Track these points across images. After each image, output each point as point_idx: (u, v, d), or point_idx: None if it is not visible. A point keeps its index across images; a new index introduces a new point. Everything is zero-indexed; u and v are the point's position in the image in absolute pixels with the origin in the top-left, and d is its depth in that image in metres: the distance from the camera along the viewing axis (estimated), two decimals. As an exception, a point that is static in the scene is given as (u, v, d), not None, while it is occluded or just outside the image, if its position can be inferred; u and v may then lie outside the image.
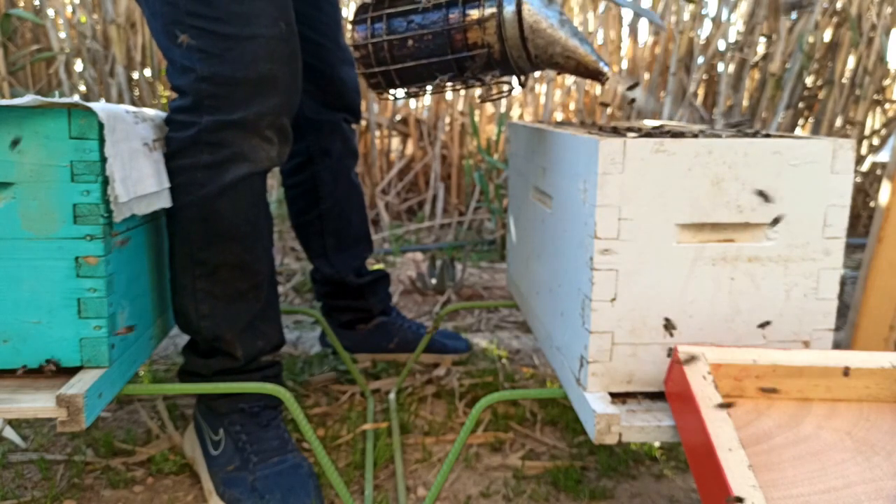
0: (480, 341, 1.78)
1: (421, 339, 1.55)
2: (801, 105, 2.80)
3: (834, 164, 0.86)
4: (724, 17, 2.69)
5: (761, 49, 2.85)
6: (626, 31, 2.95)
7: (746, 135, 0.97)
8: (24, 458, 1.23)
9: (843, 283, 1.75)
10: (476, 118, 2.92)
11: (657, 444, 1.29)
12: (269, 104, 1.04)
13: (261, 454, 1.10)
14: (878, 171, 3.01)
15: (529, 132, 1.23)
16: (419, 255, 2.55)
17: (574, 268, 0.93)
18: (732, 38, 2.77)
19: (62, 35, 2.61)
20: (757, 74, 2.89)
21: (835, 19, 2.77)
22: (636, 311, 0.87)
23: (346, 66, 1.45)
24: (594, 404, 0.85)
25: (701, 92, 2.93)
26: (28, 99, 0.86)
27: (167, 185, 1.05)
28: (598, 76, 0.97)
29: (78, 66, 2.65)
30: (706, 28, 2.78)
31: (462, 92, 3.00)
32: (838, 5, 2.71)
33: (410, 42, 1.01)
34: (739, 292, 0.88)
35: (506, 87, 1.09)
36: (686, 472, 1.22)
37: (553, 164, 1.05)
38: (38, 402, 0.86)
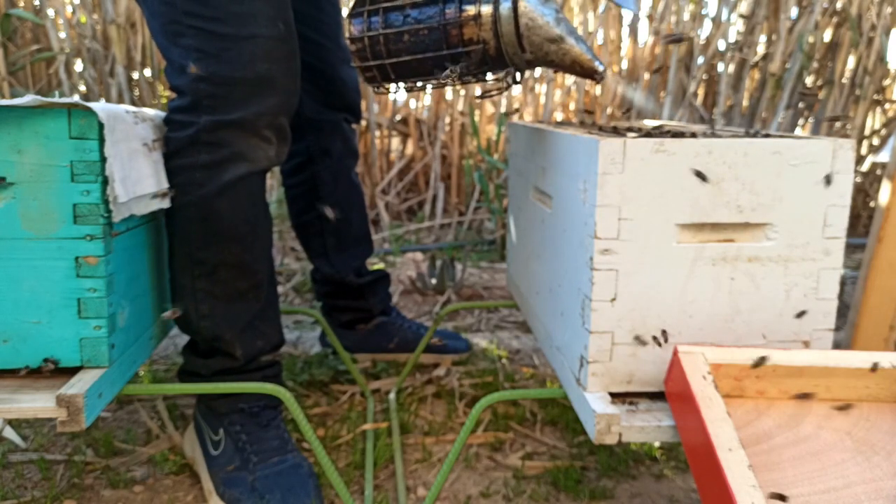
0: (480, 341, 1.78)
1: (421, 339, 1.55)
2: (801, 105, 2.80)
3: (834, 164, 0.86)
4: (724, 17, 2.69)
5: (761, 49, 2.85)
6: (626, 31, 2.95)
7: (747, 134, 0.97)
8: (24, 458, 1.23)
9: (843, 283, 1.75)
10: (476, 118, 2.92)
11: (657, 444, 1.29)
12: (267, 104, 1.04)
13: (261, 454, 1.10)
14: (878, 171, 3.01)
15: (529, 132, 1.23)
16: (419, 255, 2.55)
17: (574, 268, 0.93)
18: (732, 38, 2.77)
19: (62, 35, 2.61)
20: (757, 74, 2.88)
21: (835, 19, 2.76)
22: (636, 311, 0.87)
23: (347, 66, 1.45)
24: (594, 404, 0.85)
25: (701, 92, 2.93)
26: (28, 99, 0.86)
27: (165, 185, 1.05)
28: (593, 74, 0.97)
29: (78, 66, 2.65)
30: (706, 28, 2.78)
31: (462, 92, 3.00)
32: (838, 5, 2.71)
33: (406, 36, 1.01)
34: (739, 292, 0.88)
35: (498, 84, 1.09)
36: (686, 472, 1.22)
37: (553, 164, 1.05)
38: (38, 402, 0.86)
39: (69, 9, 2.67)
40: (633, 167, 0.83)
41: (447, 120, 3.03)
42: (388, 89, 1.09)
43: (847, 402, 0.84)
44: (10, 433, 1.28)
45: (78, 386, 0.87)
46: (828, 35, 2.81)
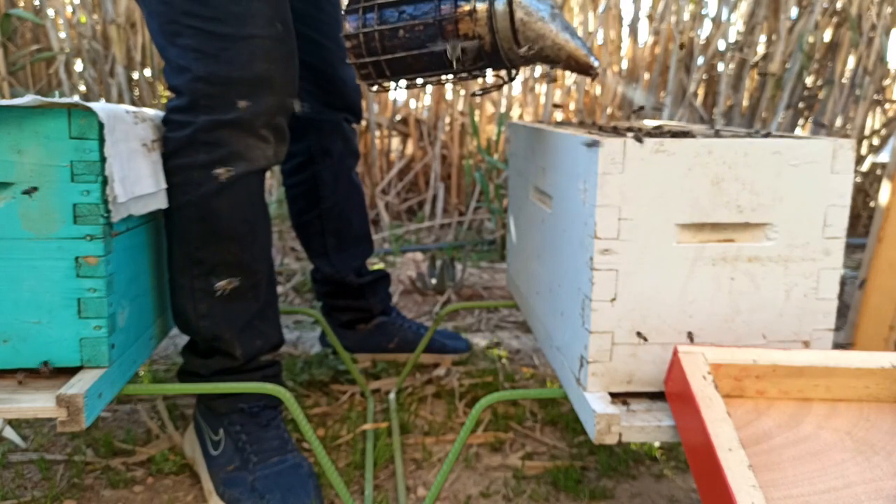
0: (480, 341, 1.78)
1: (421, 340, 1.55)
2: (801, 105, 2.80)
3: (834, 164, 0.86)
4: (724, 17, 2.69)
5: (761, 49, 2.85)
6: (626, 31, 2.95)
7: (748, 134, 0.97)
8: (24, 458, 1.23)
9: (843, 283, 1.75)
10: (476, 118, 2.92)
11: (657, 444, 1.29)
12: (265, 104, 1.04)
13: (261, 454, 1.10)
14: (878, 171, 3.01)
15: (529, 132, 1.23)
16: (419, 255, 2.55)
17: (574, 268, 0.93)
18: (732, 38, 2.77)
19: (62, 35, 2.61)
20: (757, 74, 2.88)
21: (835, 19, 2.76)
22: (636, 311, 0.87)
23: (347, 66, 1.45)
24: (594, 404, 0.85)
25: (701, 92, 2.93)
26: (28, 99, 0.86)
27: (164, 185, 1.05)
28: (588, 70, 0.97)
29: (78, 66, 2.65)
30: (706, 28, 2.78)
31: (462, 91, 3.00)
32: (838, 5, 2.71)
33: (401, 32, 1.00)
34: (739, 292, 0.88)
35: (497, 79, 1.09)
36: (686, 472, 1.22)
37: (553, 164, 1.05)
38: (38, 402, 0.86)
39: (69, 9, 2.67)
40: (633, 167, 0.83)
41: (447, 120, 3.03)
42: (382, 86, 1.09)
43: (847, 402, 0.84)
44: (10, 433, 1.28)
45: (78, 386, 0.87)
46: (828, 35, 2.81)
